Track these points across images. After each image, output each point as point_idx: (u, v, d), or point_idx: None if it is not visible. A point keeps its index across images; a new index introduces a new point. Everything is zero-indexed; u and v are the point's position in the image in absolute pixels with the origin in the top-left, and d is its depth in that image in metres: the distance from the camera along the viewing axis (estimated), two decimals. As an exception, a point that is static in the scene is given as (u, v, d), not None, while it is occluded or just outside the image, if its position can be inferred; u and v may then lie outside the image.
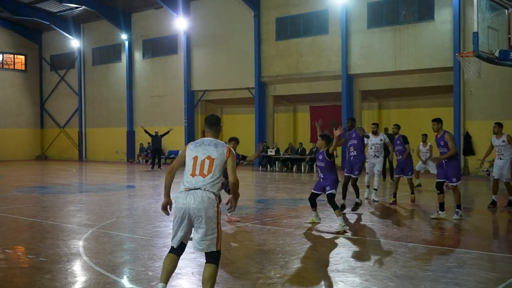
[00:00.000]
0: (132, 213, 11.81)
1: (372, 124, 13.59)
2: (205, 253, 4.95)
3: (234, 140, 10.23)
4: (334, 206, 9.20)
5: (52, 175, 23.78)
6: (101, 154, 35.43)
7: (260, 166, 25.52)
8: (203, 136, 5.63)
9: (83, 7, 31.70)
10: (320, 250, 7.99)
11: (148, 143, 28.65)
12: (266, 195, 15.44)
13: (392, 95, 24.92)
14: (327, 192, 9.30)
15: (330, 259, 7.27)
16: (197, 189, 4.92)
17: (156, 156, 25.96)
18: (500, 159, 11.54)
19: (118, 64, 34.18)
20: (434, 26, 21.84)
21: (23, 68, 38.59)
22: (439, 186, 10.32)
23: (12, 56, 37.80)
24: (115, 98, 34.22)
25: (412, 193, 12.86)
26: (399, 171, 12.58)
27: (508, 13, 10.07)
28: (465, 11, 20.65)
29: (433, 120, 10.31)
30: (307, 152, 24.13)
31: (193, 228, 5.00)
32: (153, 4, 30.56)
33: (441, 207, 10.27)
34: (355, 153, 11.51)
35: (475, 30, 8.93)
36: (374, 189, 13.01)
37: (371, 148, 13.10)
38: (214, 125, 5.34)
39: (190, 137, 29.62)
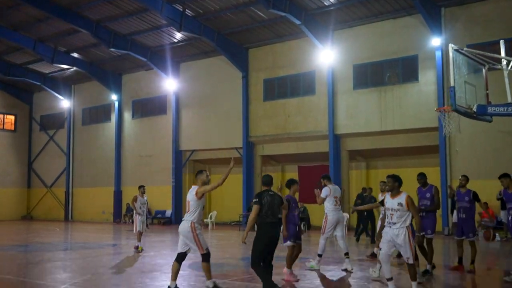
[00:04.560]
0: (107, 271, 11.45)
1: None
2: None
3: (296, 183, 10.34)
4: None
5: (34, 234, 23.29)
6: (88, 215, 34.86)
7: (248, 226, 25.13)
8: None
9: (74, 68, 32.09)
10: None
11: (135, 203, 28.30)
12: (249, 253, 15.07)
13: (379, 155, 24.92)
14: None
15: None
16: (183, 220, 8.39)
17: (142, 215, 25.52)
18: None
19: (107, 124, 34.27)
20: (418, 87, 22.11)
21: (13, 128, 38.53)
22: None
23: (2, 116, 37.87)
24: (103, 157, 34.09)
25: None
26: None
27: (485, 70, 10.21)
28: (448, 73, 20.85)
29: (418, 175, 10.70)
30: (294, 212, 23.86)
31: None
32: (143, 66, 30.97)
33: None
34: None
35: (452, 84, 8.99)
36: None
37: None
38: (197, 176, 8.66)
39: (177, 196, 29.31)
